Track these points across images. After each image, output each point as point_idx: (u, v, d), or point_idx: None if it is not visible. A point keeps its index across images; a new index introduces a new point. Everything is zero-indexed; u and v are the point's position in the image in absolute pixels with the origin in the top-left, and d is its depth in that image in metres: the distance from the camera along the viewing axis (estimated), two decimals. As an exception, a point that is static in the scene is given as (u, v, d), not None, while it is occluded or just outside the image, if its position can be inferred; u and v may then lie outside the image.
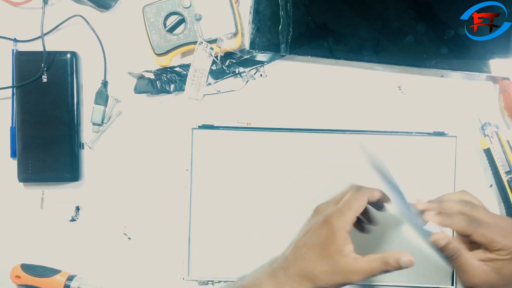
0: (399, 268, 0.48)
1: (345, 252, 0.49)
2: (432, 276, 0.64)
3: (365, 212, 0.54)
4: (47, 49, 0.64)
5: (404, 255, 0.48)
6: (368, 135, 0.64)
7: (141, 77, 0.66)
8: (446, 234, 0.49)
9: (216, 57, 0.65)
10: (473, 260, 0.48)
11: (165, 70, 0.66)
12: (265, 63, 0.66)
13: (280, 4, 0.62)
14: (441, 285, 0.64)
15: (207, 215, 0.65)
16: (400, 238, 0.63)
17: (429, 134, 0.64)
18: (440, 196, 0.54)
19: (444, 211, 0.51)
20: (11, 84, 0.66)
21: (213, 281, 0.65)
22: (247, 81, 0.66)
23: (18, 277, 0.64)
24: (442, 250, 0.49)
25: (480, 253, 0.49)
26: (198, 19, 0.63)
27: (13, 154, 0.66)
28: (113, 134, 0.67)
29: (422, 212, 0.52)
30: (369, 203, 0.52)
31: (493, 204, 0.64)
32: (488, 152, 0.63)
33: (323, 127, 0.65)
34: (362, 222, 0.56)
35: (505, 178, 0.62)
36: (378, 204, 0.54)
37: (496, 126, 0.63)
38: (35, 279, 0.64)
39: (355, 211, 0.50)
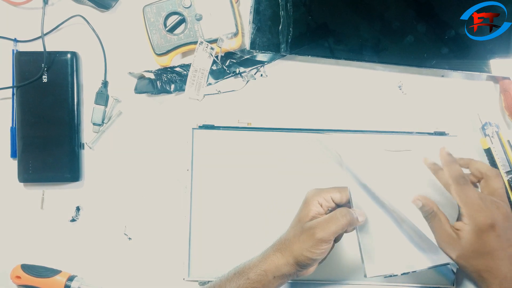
0: (354, 219, 0.52)
1: (313, 216, 0.53)
2: (433, 276, 0.64)
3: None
4: (47, 49, 0.64)
5: (355, 211, 0.53)
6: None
7: (141, 77, 0.66)
8: (423, 197, 0.56)
9: (217, 57, 0.65)
10: (445, 225, 0.55)
11: (165, 70, 0.66)
12: (265, 63, 0.66)
13: (280, 4, 0.62)
14: (441, 285, 0.64)
15: (207, 215, 0.65)
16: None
17: (429, 134, 0.64)
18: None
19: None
20: (11, 84, 0.66)
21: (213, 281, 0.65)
22: (248, 81, 0.66)
23: (18, 277, 0.64)
24: (420, 210, 0.56)
25: (458, 223, 0.55)
26: (199, 19, 0.63)
27: (13, 154, 0.66)
28: (113, 134, 0.67)
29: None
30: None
31: (494, 204, 0.64)
32: (488, 152, 0.63)
33: (324, 127, 0.65)
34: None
35: (505, 178, 0.62)
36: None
37: (496, 126, 0.63)
38: (35, 280, 0.64)
39: (331, 191, 0.55)
